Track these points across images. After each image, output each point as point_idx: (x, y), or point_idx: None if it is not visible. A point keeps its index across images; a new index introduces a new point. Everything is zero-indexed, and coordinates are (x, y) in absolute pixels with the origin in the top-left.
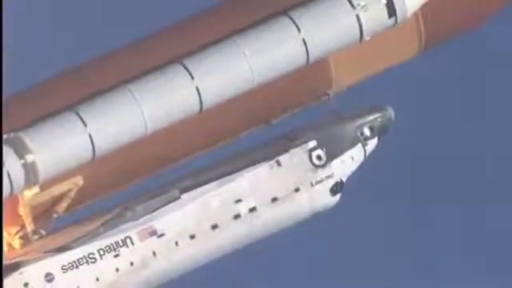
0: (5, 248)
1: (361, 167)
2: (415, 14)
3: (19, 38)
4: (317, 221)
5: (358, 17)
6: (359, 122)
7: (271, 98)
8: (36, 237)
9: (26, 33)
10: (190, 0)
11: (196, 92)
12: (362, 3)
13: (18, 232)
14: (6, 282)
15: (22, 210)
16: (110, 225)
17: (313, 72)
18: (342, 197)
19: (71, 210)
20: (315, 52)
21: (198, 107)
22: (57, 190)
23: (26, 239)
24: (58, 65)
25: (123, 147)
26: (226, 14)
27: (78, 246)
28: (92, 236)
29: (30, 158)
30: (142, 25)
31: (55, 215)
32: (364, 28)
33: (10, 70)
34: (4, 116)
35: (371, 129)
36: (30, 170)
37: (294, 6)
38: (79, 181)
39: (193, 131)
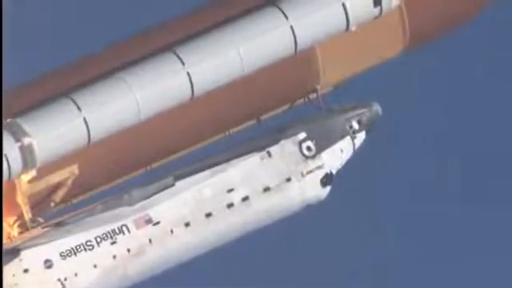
0: (4, 239)
1: (349, 162)
2: (400, 11)
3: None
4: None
5: (344, 5)
6: (347, 115)
7: (261, 95)
8: (34, 224)
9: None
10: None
11: (187, 77)
12: None
13: (16, 221)
14: (7, 268)
15: (20, 198)
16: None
17: (301, 68)
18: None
19: (68, 201)
20: (303, 40)
21: (189, 93)
22: (53, 178)
23: (24, 227)
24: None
25: (119, 140)
26: (217, 7)
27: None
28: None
29: (27, 140)
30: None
31: (52, 204)
32: (350, 16)
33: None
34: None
35: (359, 122)
36: (27, 152)
37: None
38: (75, 170)
39: (185, 127)
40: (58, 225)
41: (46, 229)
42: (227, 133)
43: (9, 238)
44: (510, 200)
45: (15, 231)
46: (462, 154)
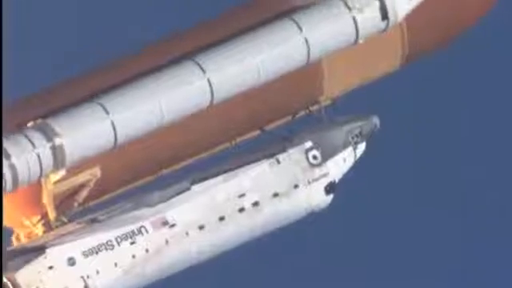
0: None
1: (350, 171)
2: (400, 25)
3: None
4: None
5: (354, 18)
6: (348, 126)
7: (266, 106)
8: (58, 223)
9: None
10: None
11: (207, 84)
12: (358, 5)
13: (40, 220)
14: (32, 264)
15: (46, 197)
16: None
17: (307, 80)
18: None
19: (88, 202)
20: (315, 51)
21: (209, 98)
22: (77, 179)
23: (48, 227)
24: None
25: (139, 146)
26: (235, 17)
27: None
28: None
29: (58, 141)
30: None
31: (75, 204)
32: (360, 29)
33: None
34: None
35: (360, 134)
36: (57, 152)
37: (296, 9)
38: (97, 172)
39: (197, 135)
40: (93, 221)
41: (80, 225)
42: (233, 142)
43: (29, 236)
44: None
45: (39, 230)
46: (460, 161)
